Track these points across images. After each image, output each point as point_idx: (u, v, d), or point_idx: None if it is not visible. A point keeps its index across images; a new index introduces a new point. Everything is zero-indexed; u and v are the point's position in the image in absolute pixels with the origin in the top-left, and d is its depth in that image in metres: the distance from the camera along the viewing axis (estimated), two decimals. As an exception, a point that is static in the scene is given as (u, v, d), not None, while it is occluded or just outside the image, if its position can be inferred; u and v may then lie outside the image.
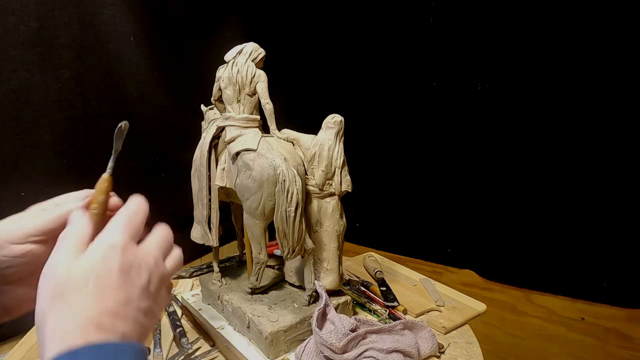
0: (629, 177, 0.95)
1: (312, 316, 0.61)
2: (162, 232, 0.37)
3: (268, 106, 0.65)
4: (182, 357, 0.65)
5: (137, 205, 0.36)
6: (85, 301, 0.30)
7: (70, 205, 0.40)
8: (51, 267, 0.31)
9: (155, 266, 0.34)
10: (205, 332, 0.73)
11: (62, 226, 0.37)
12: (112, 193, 0.40)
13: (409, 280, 0.89)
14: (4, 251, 0.38)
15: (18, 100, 0.81)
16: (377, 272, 0.88)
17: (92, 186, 0.38)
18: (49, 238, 0.39)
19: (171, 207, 1.07)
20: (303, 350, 0.59)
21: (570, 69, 0.97)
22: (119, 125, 0.39)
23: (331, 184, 0.67)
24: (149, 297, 0.33)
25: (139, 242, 0.35)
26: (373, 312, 0.75)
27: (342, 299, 0.69)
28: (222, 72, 0.66)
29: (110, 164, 0.38)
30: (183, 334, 0.69)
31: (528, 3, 1.00)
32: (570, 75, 0.98)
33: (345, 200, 0.70)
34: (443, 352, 0.65)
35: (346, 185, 0.68)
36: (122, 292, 0.31)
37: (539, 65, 1.01)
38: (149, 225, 0.37)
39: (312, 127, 0.70)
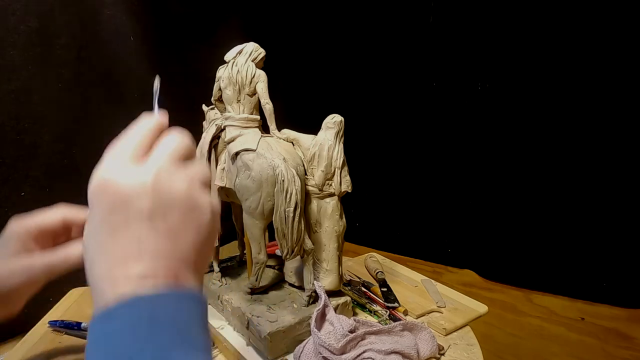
0: (628, 177, 0.95)
1: (311, 317, 0.61)
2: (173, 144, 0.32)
3: (268, 106, 0.65)
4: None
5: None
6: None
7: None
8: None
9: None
10: (205, 332, 0.72)
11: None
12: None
13: (410, 281, 0.89)
14: None
15: (18, 100, 0.81)
16: (378, 272, 0.88)
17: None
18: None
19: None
20: (302, 351, 0.59)
21: (570, 69, 0.97)
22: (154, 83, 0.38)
23: (331, 184, 0.67)
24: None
25: None
26: (373, 313, 0.75)
27: (341, 300, 0.69)
28: (222, 72, 0.66)
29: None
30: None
31: (528, 3, 1.00)
32: (570, 75, 0.98)
33: (345, 200, 0.70)
34: (443, 354, 0.65)
35: (346, 185, 0.68)
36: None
37: (539, 65, 1.01)
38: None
39: (312, 127, 0.70)
